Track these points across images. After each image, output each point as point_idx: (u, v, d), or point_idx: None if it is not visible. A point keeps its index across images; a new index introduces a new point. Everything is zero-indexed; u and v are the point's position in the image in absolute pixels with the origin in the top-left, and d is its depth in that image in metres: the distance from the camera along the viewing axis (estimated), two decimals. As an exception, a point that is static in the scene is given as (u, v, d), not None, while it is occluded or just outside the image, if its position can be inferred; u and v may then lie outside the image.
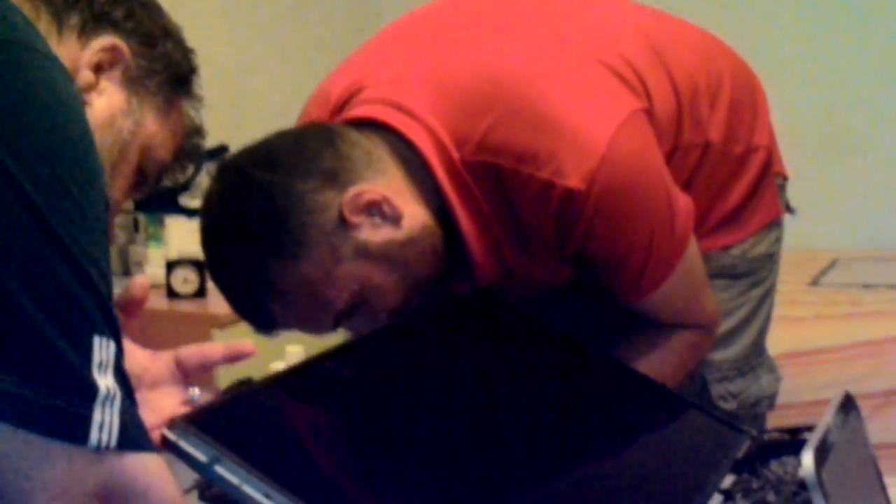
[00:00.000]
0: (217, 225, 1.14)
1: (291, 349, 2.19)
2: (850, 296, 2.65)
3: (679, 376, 1.28)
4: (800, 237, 2.50)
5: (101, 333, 0.69)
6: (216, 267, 1.15)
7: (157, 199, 2.50)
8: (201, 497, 1.40)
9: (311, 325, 1.15)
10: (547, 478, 0.99)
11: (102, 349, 0.69)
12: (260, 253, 1.10)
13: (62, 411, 0.67)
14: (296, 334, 1.20)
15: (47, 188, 0.68)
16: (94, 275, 0.70)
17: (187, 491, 1.40)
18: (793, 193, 1.47)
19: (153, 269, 2.50)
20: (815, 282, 2.81)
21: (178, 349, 0.96)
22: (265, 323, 1.15)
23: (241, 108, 2.88)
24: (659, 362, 1.24)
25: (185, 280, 2.40)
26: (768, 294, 1.42)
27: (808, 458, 0.77)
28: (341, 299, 1.12)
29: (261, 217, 1.09)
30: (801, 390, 1.94)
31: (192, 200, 2.49)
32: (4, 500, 0.67)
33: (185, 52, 1.03)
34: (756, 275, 1.39)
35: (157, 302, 2.35)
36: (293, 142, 1.15)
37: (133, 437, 0.70)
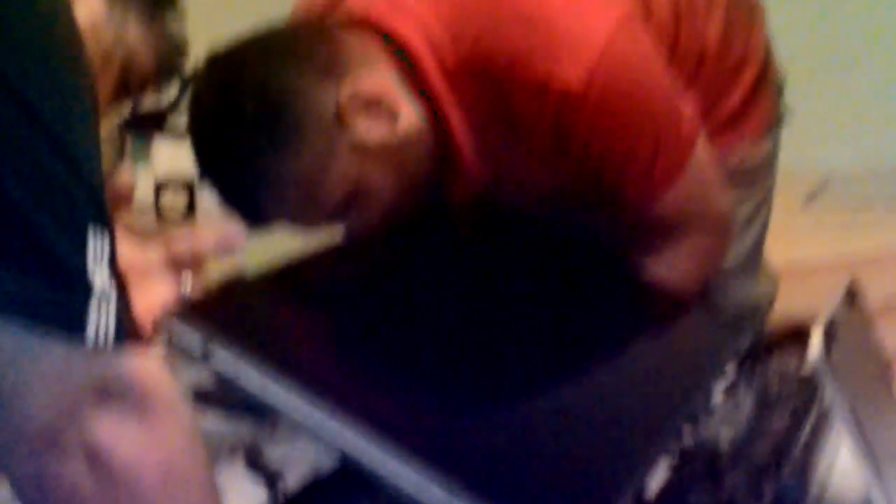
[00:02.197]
0: (210, 115, 1.11)
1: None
2: (846, 211, 2.63)
3: (696, 280, 1.25)
4: (794, 154, 2.49)
5: (95, 226, 0.67)
6: (207, 158, 1.13)
7: (145, 120, 2.46)
8: (196, 400, 1.40)
9: (302, 220, 1.13)
10: (547, 375, 0.98)
11: (97, 243, 0.67)
12: (255, 144, 1.07)
13: (59, 306, 0.64)
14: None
15: (37, 81, 0.65)
16: (86, 168, 0.67)
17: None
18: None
19: (141, 192, 2.46)
20: (809, 199, 2.79)
21: (167, 237, 0.94)
22: (256, 216, 1.13)
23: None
24: (672, 267, 1.21)
25: (174, 202, 2.37)
26: (766, 199, 1.41)
27: (815, 340, 0.76)
28: (335, 196, 1.10)
29: (257, 109, 1.07)
30: (798, 306, 1.92)
31: (181, 121, 2.45)
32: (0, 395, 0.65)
33: None
34: (754, 180, 1.37)
35: (146, 225, 2.32)
36: (287, 35, 1.13)
37: (128, 333, 0.68)
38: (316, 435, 0.78)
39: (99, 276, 0.66)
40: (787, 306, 1.60)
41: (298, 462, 1.11)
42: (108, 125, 2.25)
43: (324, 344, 0.93)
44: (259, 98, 1.07)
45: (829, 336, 0.78)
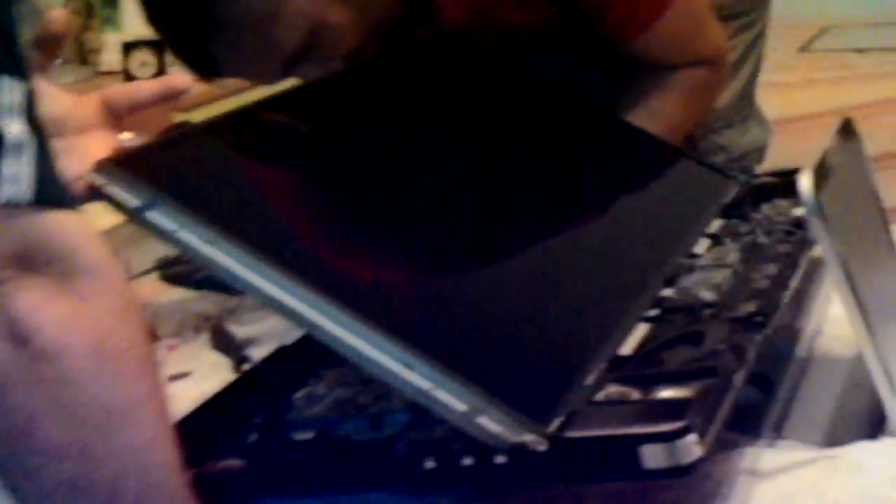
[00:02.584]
0: None
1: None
2: (842, 60, 2.55)
3: (690, 119, 1.20)
4: (790, 4, 2.40)
5: (9, 74, 0.59)
6: (153, 5, 1.05)
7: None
8: (163, 277, 1.34)
9: (258, 70, 1.06)
10: (523, 233, 0.91)
11: (10, 91, 0.59)
12: None
13: None
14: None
15: None
16: None
17: (147, 272, 1.34)
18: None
19: (110, 55, 2.38)
20: (805, 48, 2.70)
21: (104, 90, 0.86)
22: (208, 67, 1.05)
23: None
24: (663, 105, 1.15)
25: (144, 63, 2.28)
26: (758, 38, 1.33)
27: (805, 179, 0.69)
28: (291, 39, 1.02)
29: None
30: (792, 156, 1.86)
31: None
32: None
33: None
34: (747, 16, 1.30)
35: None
36: None
37: (51, 192, 0.60)
38: (264, 302, 0.72)
39: (12, 126, 0.59)
40: (781, 156, 1.54)
41: (266, 337, 1.06)
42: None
43: (277, 199, 0.86)
44: None
45: (821, 175, 0.72)
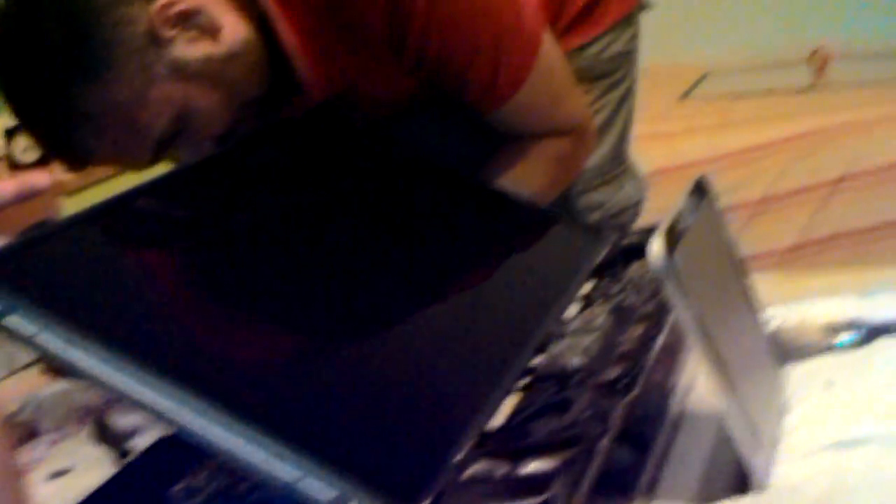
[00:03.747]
0: (12, 49, 1.02)
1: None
2: (721, 106, 2.61)
3: (554, 188, 1.21)
4: (667, 52, 2.45)
5: None
6: (15, 97, 1.04)
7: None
8: (46, 369, 1.32)
9: (128, 156, 1.05)
10: (398, 303, 0.91)
11: None
12: (62, 76, 0.98)
13: None
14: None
15: None
16: None
17: (30, 364, 1.32)
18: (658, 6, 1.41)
19: (-12, 139, 2.34)
20: (685, 95, 2.76)
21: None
22: (77, 158, 1.04)
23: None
24: (527, 175, 1.17)
25: (27, 149, 2.25)
26: (627, 96, 1.35)
27: (657, 242, 0.71)
28: (159, 124, 1.02)
29: (59, 35, 0.98)
30: (671, 203, 1.89)
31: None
32: None
33: None
34: (613, 76, 1.32)
35: None
36: None
37: None
38: (130, 402, 0.71)
39: None
40: (665, 206, 1.57)
41: (149, 426, 1.05)
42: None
43: (140, 294, 0.85)
44: (61, 24, 0.98)
45: (674, 236, 0.74)
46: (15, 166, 2.25)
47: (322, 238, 0.98)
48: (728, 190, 2.12)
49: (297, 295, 0.88)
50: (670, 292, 0.70)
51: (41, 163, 2.22)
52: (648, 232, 1.08)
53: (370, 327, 0.86)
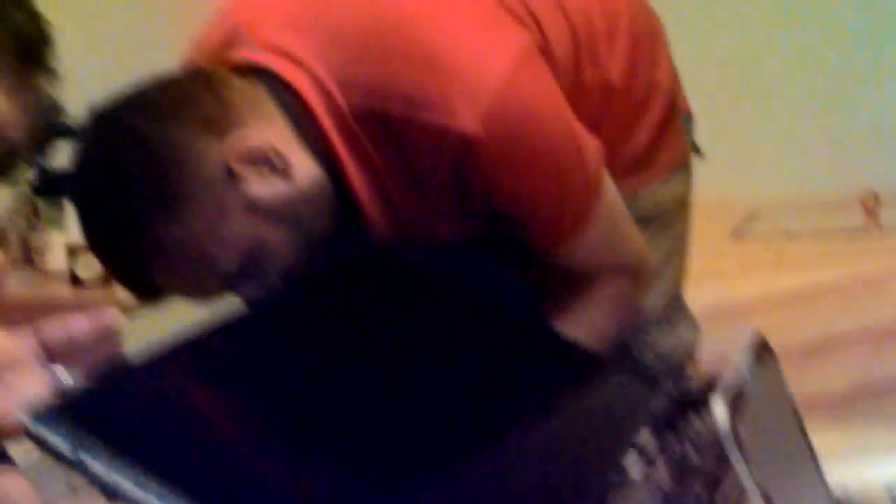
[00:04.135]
0: (89, 180, 1.06)
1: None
2: (773, 246, 2.62)
3: (613, 328, 1.21)
4: (719, 189, 2.47)
5: None
6: (90, 227, 1.07)
7: (56, 183, 2.40)
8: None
9: (198, 290, 1.08)
10: (456, 449, 0.92)
11: None
12: (139, 210, 1.02)
13: None
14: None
15: None
16: None
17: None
18: (707, 143, 1.43)
19: (54, 256, 2.40)
20: (736, 233, 2.77)
21: (39, 323, 0.88)
22: (148, 289, 1.07)
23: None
24: (586, 312, 1.18)
25: (89, 265, 2.30)
26: (681, 239, 1.37)
27: (719, 407, 0.71)
28: (230, 260, 1.05)
29: (138, 170, 1.02)
30: (724, 343, 1.90)
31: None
32: None
33: (37, 22, 0.95)
34: (666, 220, 1.33)
35: (60, 290, 2.26)
36: (170, 87, 1.08)
37: None
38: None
39: None
40: (716, 349, 1.58)
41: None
42: (15, 191, 2.18)
43: (213, 440, 0.87)
44: (141, 157, 1.02)
45: (735, 402, 0.74)
46: (76, 282, 2.29)
47: (378, 383, 1.00)
48: (779, 332, 2.11)
49: (360, 439, 0.89)
50: (734, 459, 0.71)
51: (102, 282, 2.27)
52: (707, 383, 1.08)
53: (421, 470, 0.86)
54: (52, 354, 0.89)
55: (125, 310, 2.22)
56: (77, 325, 0.89)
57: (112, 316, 0.89)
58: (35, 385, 0.85)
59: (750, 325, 2.23)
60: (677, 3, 1.44)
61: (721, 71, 3.04)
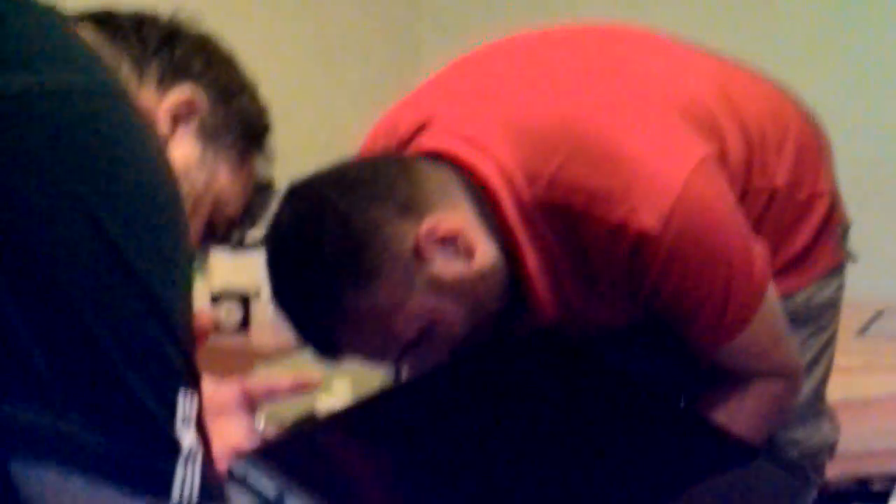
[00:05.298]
0: (289, 248, 1.13)
1: (338, 382, 2.19)
2: (898, 347, 2.60)
3: (766, 428, 1.25)
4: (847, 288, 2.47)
5: (186, 387, 0.68)
6: (284, 290, 1.15)
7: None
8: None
9: (377, 354, 1.15)
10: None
11: (186, 403, 0.68)
12: (334, 280, 1.09)
13: (146, 468, 0.66)
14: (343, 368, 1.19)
15: (138, 243, 0.68)
16: (181, 330, 0.69)
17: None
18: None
19: (197, 303, 2.49)
20: (863, 330, 2.76)
21: (245, 377, 0.96)
22: (331, 350, 1.14)
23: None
24: (741, 411, 1.21)
25: (229, 313, 2.39)
26: (830, 342, 1.40)
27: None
28: (410, 330, 1.11)
29: (337, 243, 1.09)
30: (851, 440, 1.90)
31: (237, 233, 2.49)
32: None
33: (261, 109, 1.02)
34: (819, 322, 1.37)
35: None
36: (367, 169, 1.15)
37: (211, 491, 0.69)
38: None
39: (187, 436, 0.67)
40: (844, 446, 1.58)
41: None
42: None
43: (391, 489, 0.94)
44: (340, 234, 1.09)
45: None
46: (216, 328, 2.39)
47: (538, 452, 1.05)
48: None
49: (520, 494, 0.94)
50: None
51: (240, 329, 2.37)
52: (854, 482, 1.11)
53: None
54: (252, 404, 0.96)
55: (263, 358, 2.31)
56: (281, 382, 0.97)
57: (313, 376, 0.97)
58: (239, 431, 0.92)
59: (876, 421, 2.22)
60: (820, 105, 1.47)
61: (853, 171, 3.04)
